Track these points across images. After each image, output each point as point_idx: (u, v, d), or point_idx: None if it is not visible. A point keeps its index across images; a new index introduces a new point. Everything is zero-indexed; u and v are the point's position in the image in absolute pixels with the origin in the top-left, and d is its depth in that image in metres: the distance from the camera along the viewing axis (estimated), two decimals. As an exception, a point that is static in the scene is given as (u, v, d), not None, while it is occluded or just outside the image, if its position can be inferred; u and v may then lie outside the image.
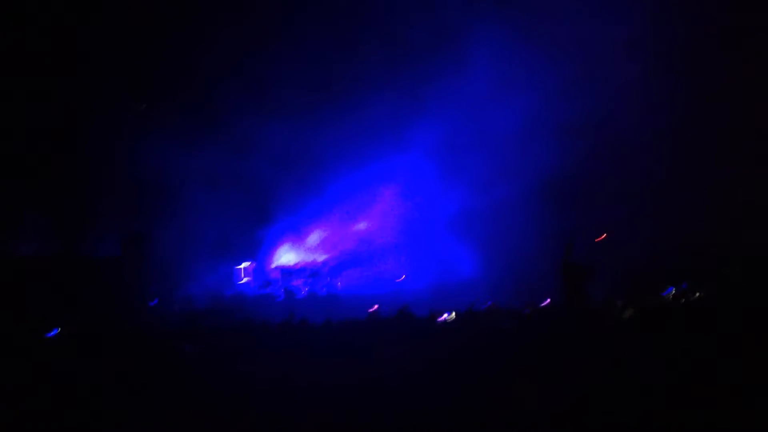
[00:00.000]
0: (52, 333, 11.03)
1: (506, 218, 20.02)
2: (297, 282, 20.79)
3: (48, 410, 7.68)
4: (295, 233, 22.13)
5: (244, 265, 21.22)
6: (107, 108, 19.70)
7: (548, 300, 12.67)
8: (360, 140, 21.27)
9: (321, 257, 21.58)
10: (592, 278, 12.07)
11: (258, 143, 20.90)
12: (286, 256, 21.96)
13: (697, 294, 10.66)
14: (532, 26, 20.07)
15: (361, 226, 22.02)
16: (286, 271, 21.04)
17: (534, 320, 10.61)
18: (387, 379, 7.89)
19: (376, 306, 13.17)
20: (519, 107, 20.01)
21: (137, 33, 19.90)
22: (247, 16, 20.71)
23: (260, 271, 21.41)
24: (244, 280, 21.01)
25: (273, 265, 21.49)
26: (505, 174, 20.26)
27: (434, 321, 10.40)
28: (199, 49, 20.77)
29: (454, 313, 9.87)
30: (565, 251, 12.48)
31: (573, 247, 12.54)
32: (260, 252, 21.88)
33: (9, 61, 17.33)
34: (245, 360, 9.42)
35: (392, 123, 21.06)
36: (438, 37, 20.70)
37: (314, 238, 22.05)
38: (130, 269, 15.67)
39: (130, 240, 16.05)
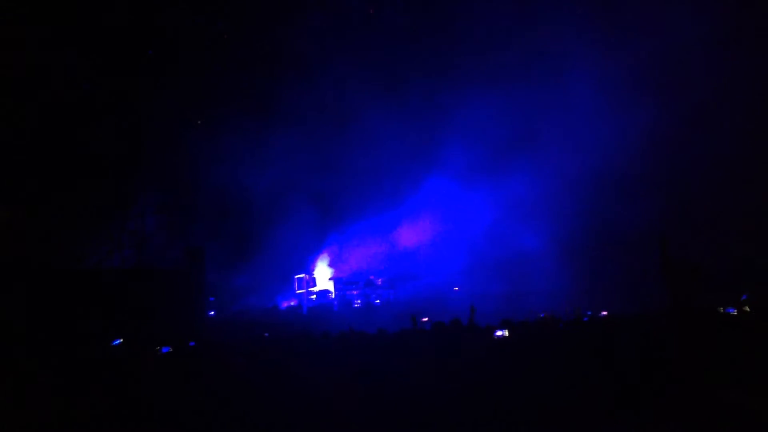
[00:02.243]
0: (116, 342, 11.45)
1: (579, 218, 19.40)
2: (352, 292, 20.88)
3: (114, 417, 7.95)
4: (351, 243, 22.28)
5: (300, 275, 21.47)
6: (169, 121, 20.19)
7: (605, 312, 12.18)
8: (418, 147, 21.18)
9: (376, 267, 21.65)
10: (699, 278, 11.14)
11: (315, 155, 21.18)
12: (341, 267, 22.13)
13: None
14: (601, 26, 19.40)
15: (417, 234, 21.97)
16: (342, 281, 21.16)
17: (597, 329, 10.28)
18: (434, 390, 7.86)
19: (426, 318, 13.08)
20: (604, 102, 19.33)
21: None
22: (307, 31, 20.92)
23: (316, 282, 21.62)
24: (301, 290, 21.26)
25: (329, 276, 21.67)
26: (583, 172, 19.52)
27: (489, 334, 10.21)
28: (259, 64, 21.16)
29: (507, 331, 9.64)
30: (661, 249, 11.47)
31: (667, 245, 11.51)
32: (316, 262, 22.11)
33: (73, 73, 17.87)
34: (302, 370, 9.53)
35: (454, 123, 20.75)
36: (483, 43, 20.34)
37: (369, 247, 22.15)
38: (190, 282, 16.08)
39: (190, 253, 16.48)
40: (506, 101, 19.77)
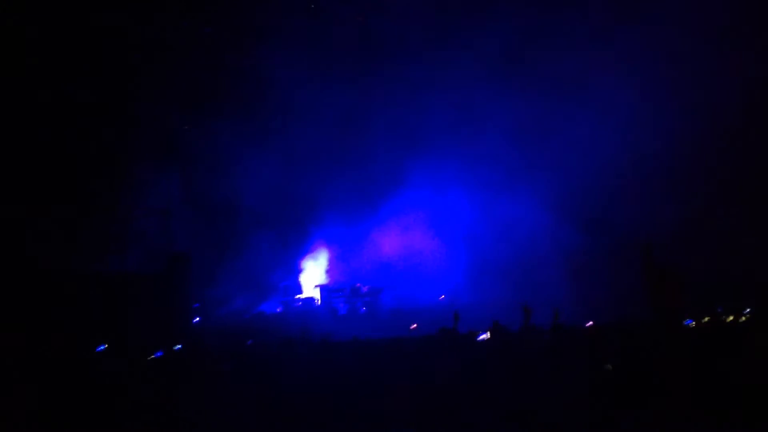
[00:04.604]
0: (101, 348, 11.42)
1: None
2: (338, 300, 20.86)
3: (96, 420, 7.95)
4: (338, 251, 22.27)
5: (286, 282, 21.44)
6: (156, 125, 20.12)
7: (591, 322, 12.20)
8: (407, 155, 21.12)
9: (362, 275, 21.65)
10: (682, 285, 10.95)
11: (302, 162, 21.18)
12: (328, 274, 22.13)
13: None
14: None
15: (405, 243, 21.99)
16: (328, 289, 21.14)
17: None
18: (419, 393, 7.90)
19: (414, 325, 13.13)
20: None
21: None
22: (292, 36, 20.89)
23: (302, 289, 21.59)
24: (287, 298, 21.22)
25: (315, 283, 21.65)
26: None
27: (472, 339, 10.30)
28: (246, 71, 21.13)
29: (489, 333, 9.75)
30: (643, 254, 11.30)
31: (652, 250, 11.33)
32: (303, 270, 22.08)
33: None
34: (284, 376, 9.56)
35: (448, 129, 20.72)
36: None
37: (356, 255, 22.16)
38: (174, 288, 16.04)
39: (175, 259, 16.45)
40: (504, 106, 19.80)
